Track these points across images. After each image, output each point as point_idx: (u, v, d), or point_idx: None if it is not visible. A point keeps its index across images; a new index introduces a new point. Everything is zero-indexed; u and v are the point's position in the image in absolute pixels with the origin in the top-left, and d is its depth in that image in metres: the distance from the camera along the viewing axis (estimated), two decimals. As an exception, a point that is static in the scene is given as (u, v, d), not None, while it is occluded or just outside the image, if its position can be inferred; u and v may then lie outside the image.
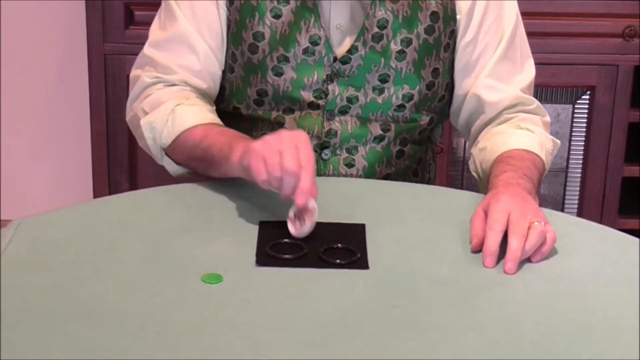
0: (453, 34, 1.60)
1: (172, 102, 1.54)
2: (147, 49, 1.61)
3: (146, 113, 1.55)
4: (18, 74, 2.90)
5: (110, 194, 2.46)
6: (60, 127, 2.95)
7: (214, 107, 1.61)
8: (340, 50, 1.57)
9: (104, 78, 2.45)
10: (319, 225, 1.33)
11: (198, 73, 1.58)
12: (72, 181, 3.00)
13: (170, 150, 1.55)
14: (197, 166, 1.52)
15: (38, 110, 2.94)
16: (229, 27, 1.58)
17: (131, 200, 1.45)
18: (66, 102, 2.93)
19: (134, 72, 1.62)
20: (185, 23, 1.57)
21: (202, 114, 1.53)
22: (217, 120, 1.54)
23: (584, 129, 2.55)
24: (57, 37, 2.87)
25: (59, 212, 1.41)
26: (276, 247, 1.29)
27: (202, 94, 1.59)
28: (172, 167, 1.57)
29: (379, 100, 1.59)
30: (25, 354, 1.05)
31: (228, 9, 1.57)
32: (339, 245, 1.31)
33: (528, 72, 1.63)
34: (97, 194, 2.53)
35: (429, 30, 1.57)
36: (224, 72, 1.61)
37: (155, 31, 1.61)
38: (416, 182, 1.68)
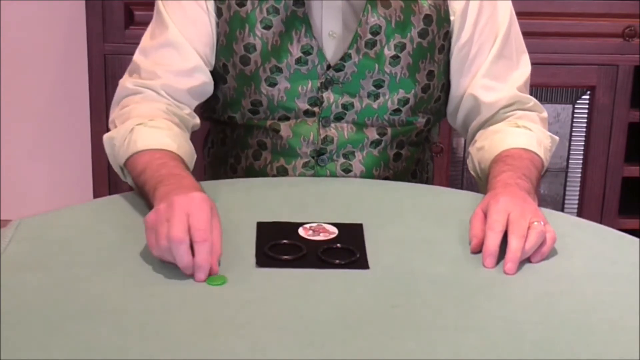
0: (447, 36, 1.59)
1: (134, 120, 1.48)
2: (136, 55, 1.59)
3: (116, 126, 1.51)
4: (18, 74, 2.90)
5: (110, 194, 2.46)
6: (60, 127, 2.95)
7: (195, 119, 1.58)
8: (334, 57, 1.56)
9: (104, 78, 2.45)
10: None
11: (182, 73, 1.54)
12: (72, 181, 3.00)
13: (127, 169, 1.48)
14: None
15: (38, 110, 2.94)
16: (218, 38, 1.56)
17: (131, 200, 1.44)
18: (66, 102, 2.93)
19: (122, 78, 1.60)
20: (174, 30, 1.54)
21: (156, 140, 1.45)
22: (171, 147, 1.44)
23: (584, 129, 2.55)
24: (57, 38, 2.87)
25: (59, 212, 1.41)
26: (275, 248, 1.29)
27: (179, 105, 1.54)
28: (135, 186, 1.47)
29: (375, 105, 1.58)
30: (25, 354, 1.04)
31: (216, 22, 1.55)
32: (338, 245, 1.31)
33: (524, 68, 1.62)
34: (97, 194, 2.53)
35: (422, 34, 1.56)
36: (216, 83, 1.60)
37: (146, 38, 1.60)
38: (414, 183, 1.67)
